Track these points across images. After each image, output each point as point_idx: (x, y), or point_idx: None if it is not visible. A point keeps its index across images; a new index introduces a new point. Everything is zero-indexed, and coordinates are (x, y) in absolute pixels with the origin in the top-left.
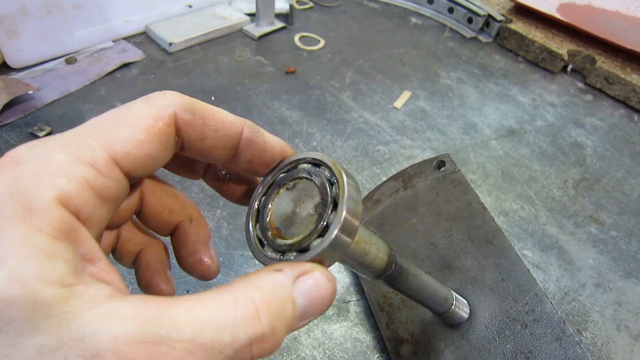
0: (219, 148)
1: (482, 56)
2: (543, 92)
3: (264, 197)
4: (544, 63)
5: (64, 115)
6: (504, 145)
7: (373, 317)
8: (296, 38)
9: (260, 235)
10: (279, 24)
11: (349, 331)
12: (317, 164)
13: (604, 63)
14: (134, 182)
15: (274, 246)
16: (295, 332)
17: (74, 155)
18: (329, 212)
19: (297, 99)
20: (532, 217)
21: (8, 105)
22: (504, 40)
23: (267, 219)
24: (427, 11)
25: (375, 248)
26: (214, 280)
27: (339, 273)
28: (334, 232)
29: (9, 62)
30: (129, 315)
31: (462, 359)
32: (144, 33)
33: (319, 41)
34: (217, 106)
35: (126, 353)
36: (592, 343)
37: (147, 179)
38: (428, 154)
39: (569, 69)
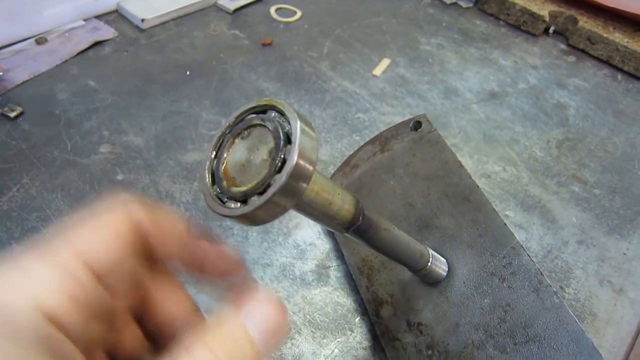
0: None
1: (462, 21)
2: (525, 54)
3: (219, 149)
4: (525, 26)
5: (35, 95)
6: (486, 109)
7: (353, 281)
8: (272, 10)
9: (216, 186)
10: None
11: (329, 296)
12: (271, 110)
13: (585, 23)
14: (113, 287)
15: (229, 195)
16: None
17: (50, 266)
18: (282, 155)
19: (274, 70)
20: (514, 178)
21: None
22: (485, 4)
23: (222, 169)
24: None
25: (339, 199)
26: None
27: (319, 239)
28: (284, 175)
29: None
30: None
31: (441, 316)
32: (116, 11)
33: (295, 12)
34: (193, 80)
35: None
36: (575, 299)
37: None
38: None
39: (551, 30)
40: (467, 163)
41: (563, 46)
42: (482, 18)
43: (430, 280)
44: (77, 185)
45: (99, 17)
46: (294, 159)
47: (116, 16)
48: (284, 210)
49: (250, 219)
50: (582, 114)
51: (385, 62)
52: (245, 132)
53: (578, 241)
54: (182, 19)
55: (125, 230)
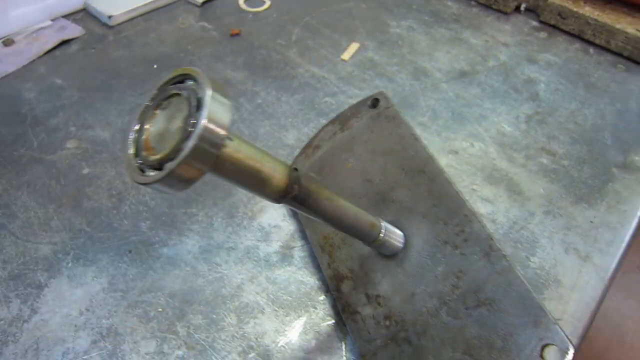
0: None
1: (433, 3)
2: (496, 33)
3: (142, 121)
4: (496, 4)
5: (1, 95)
6: (455, 87)
7: (317, 260)
8: (241, 1)
9: (138, 157)
10: None
11: (292, 275)
12: (188, 79)
13: None
14: None
15: (148, 164)
16: (239, 279)
17: None
18: (193, 121)
19: (241, 59)
20: (482, 153)
21: None
22: None
23: (143, 140)
24: None
25: (269, 168)
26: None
27: (284, 221)
28: (193, 139)
29: None
30: None
31: (398, 287)
32: (83, 9)
33: (264, 2)
34: (160, 73)
35: None
36: (540, 267)
37: None
38: None
39: (522, 8)
40: (435, 141)
41: (535, 23)
42: None
43: (387, 252)
44: (43, 181)
45: (66, 16)
46: (202, 123)
47: (84, 14)
48: (199, 174)
49: (167, 184)
50: (553, 89)
51: (354, 47)
52: (165, 102)
53: (545, 211)
54: (150, 13)
55: None
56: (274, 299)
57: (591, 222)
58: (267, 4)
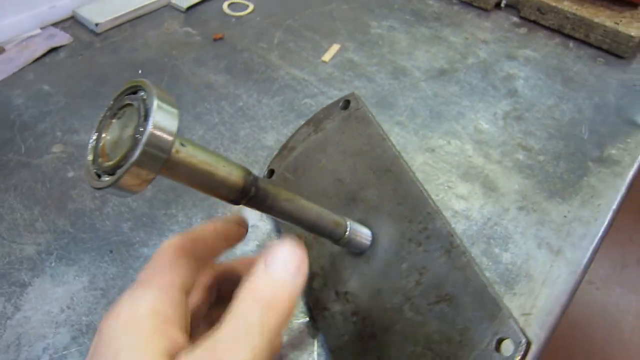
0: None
1: (415, 3)
2: (476, 30)
3: (100, 130)
4: (477, 2)
5: None
6: (433, 86)
7: None
8: (225, 5)
9: (95, 165)
10: None
11: None
12: (140, 89)
13: None
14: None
15: (103, 170)
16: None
17: (158, 287)
18: (141, 129)
19: (223, 63)
20: (458, 150)
21: None
22: None
23: (100, 147)
24: None
25: (224, 171)
26: None
27: (261, 221)
28: (139, 146)
29: None
30: None
31: (365, 284)
32: (72, 17)
33: (247, 6)
34: (144, 78)
35: None
36: (512, 262)
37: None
38: None
39: (502, 4)
40: (413, 139)
41: (515, 19)
42: None
43: (355, 250)
44: (29, 185)
45: (55, 24)
46: (147, 131)
47: (72, 22)
48: (147, 179)
49: (119, 189)
50: (531, 84)
51: (334, 48)
52: (120, 112)
53: (519, 207)
54: (137, 20)
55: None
56: None
57: (565, 216)
58: (251, 7)
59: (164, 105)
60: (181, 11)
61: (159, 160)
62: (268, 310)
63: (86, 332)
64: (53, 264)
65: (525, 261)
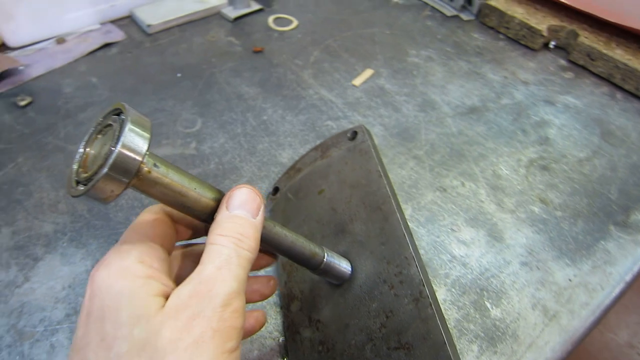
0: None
1: (459, 34)
2: (518, 69)
3: (86, 143)
4: (524, 40)
5: (45, 88)
6: (460, 123)
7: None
8: (270, 19)
9: (76, 174)
10: (255, 7)
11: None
12: (122, 112)
13: (586, 38)
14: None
15: (80, 179)
16: None
17: (141, 241)
18: (112, 149)
19: (258, 76)
20: (471, 193)
21: (0, 79)
22: (485, 17)
23: (82, 160)
24: None
25: (195, 193)
26: None
27: None
28: (107, 163)
29: (7, 42)
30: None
31: (336, 316)
32: (129, 16)
33: (292, 22)
34: (182, 82)
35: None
36: (501, 319)
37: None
38: (377, 130)
39: (551, 45)
40: (426, 175)
41: (563, 62)
42: (482, 31)
43: (331, 281)
44: (60, 168)
45: (113, 22)
46: (115, 151)
47: (128, 21)
48: (114, 192)
49: (92, 197)
50: (565, 133)
51: (367, 73)
52: (104, 129)
53: (522, 262)
54: (186, 25)
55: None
56: None
57: (569, 280)
58: (295, 24)
59: (136, 129)
60: (229, 21)
61: (126, 177)
62: (239, 243)
63: (79, 312)
64: (65, 244)
65: (515, 320)
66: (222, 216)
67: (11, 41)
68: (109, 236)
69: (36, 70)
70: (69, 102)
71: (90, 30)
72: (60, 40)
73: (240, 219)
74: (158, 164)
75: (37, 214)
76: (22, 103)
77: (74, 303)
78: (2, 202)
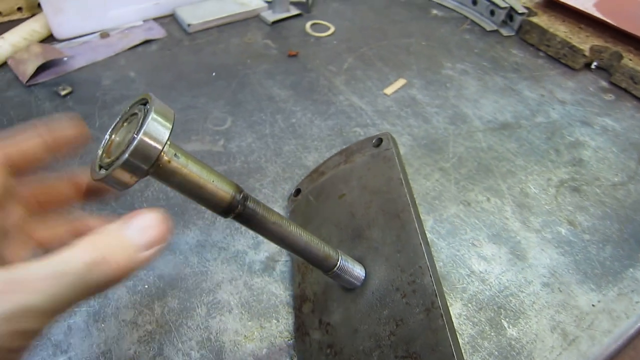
0: None
1: (498, 49)
2: (556, 88)
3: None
4: (565, 59)
5: (85, 79)
6: (490, 138)
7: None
8: (307, 25)
9: (100, 159)
10: (294, 11)
11: (268, 286)
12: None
13: (631, 60)
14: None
15: (103, 164)
16: (220, 277)
17: None
18: (135, 136)
19: (290, 79)
20: (495, 209)
21: (45, 68)
22: (526, 34)
23: (107, 146)
24: (450, 3)
25: (213, 185)
26: None
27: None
28: (127, 150)
29: (54, 34)
30: None
31: (346, 320)
32: (171, 15)
33: (329, 28)
34: (216, 81)
35: None
36: (517, 339)
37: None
38: (404, 140)
39: (593, 65)
40: (451, 188)
41: (604, 83)
42: (521, 48)
43: (344, 285)
44: (93, 157)
45: (156, 19)
46: (136, 139)
47: (170, 20)
48: (133, 177)
49: (111, 181)
50: (600, 156)
51: (400, 82)
52: (130, 118)
53: (543, 283)
54: (225, 26)
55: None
56: (245, 302)
57: (593, 305)
58: (331, 30)
59: (159, 119)
60: (267, 24)
61: (145, 164)
62: (94, 265)
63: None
64: None
65: (531, 341)
66: (112, 226)
67: (58, 33)
68: None
69: (79, 62)
70: (106, 94)
71: (133, 27)
72: (104, 34)
73: (121, 244)
74: (179, 154)
75: None
76: (63, 92)
77: None
78: None
